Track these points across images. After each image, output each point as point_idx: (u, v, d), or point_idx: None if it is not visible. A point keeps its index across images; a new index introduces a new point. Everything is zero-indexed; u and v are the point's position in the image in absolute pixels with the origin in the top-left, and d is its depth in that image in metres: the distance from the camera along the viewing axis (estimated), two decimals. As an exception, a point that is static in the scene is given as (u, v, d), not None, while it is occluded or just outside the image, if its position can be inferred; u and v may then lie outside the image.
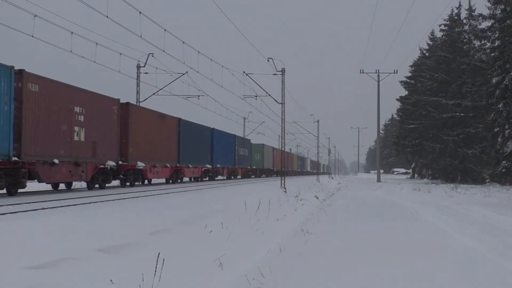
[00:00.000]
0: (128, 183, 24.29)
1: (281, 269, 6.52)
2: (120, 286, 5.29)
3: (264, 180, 47.13)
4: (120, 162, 22.58)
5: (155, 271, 5.43)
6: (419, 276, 6.01)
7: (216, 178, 40.53)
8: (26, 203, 13.10)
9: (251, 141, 54.65)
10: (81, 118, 19.24)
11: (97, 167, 20.80)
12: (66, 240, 7.08)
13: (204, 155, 36.09)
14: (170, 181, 30.15)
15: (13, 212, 10.95)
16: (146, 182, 28.67)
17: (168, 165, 28.57)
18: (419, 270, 6.31)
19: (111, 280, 5.33)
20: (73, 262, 5.96)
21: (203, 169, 35.80)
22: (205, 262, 6.88)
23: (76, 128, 18.96)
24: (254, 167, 54.50)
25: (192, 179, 36.07)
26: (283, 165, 31.34)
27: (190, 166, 32.57)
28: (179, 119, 30.54)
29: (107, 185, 22.69)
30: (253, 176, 55.87)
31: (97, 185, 21.45)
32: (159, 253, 5.77)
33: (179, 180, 31.81)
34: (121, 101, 22.67)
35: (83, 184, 22.89)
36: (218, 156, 39.11)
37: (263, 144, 58.99)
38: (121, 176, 23.16)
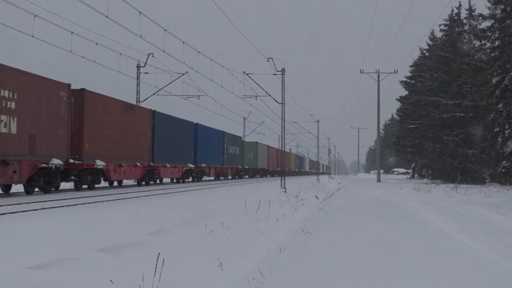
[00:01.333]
0: (85, 186, 20.75)
1: (281, 269, 6.51)
2: (120, 286, 5.29)
3: (260, 180, 45.44)
4: (72, 161, 19.07)
5: (155, 271, 5.42)
6: (419, 276, 6.01)
7: (202, 179, 37.20)
8: (26, 203, 13.10)
9: (244, 139, 52.65)
10: (12, 104, 15.59)
11: (36, 167, 17.04)
12: (66, 240, 7.08)
13: (186, 153, 32.31)
14: (143, 182, 26.68)
15: (13, 212, 10.96)
16: (115, 184, 25.49)
17: (138, 164, 24.81)
18: (419, 270, 6.31)
19: (111, 280, 5.32)
20: (73, 262, 5.95)
21: (184, 169, 32.02)
22: (205, 262, 6.87)
23: (3, 117, 15.22)
24: (246, 167, 50.93)
25: (174, 180, 33.01)
26: (283, 165, 31.30)
27: (168, 165, 28.93)
28: (153, 111, 27.18)
29: (61, 188, 19.89)
30: (246, 177, 52.85)
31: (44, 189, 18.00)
32: (159, 253, 5.76)
33: (152, 182, 28.60)
34: (75, 88, 19.53)
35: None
36: (203, 154, 35.33)
37: (256, 142, 56.16)
38: (73, 177, 19.53)
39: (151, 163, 26.69)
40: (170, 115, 29.98)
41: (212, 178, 40.24)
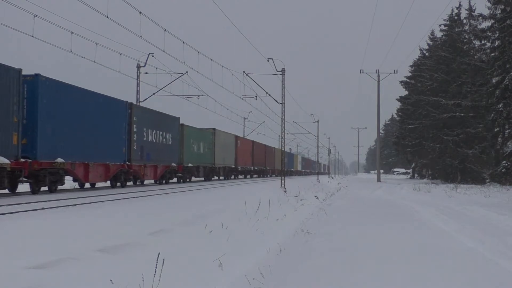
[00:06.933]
0: None
1: (281, 269, 6.51)
2: (120, 286, 5.29)
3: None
4: None
5: (155, 271, 5.42)
6: (418, 277, 6.00)
7: (59, 187, 18.99)
8: (26, 203, 13.10)
9: (192, 124, 34.51)
10: None
11: None
12: (66, 240, 7.08)
13: None
14: None
15: (13, 212, 10.95)
16: None
17: None
18: (419, 271, 6.30)
19: (111, 280, 5.32)
20: (73, 262, 5.96)
21: None
22: (205, 262, 6.87)
23: None
24: (189, 165, 32.51)
25: None
26: (283, 164, 31.27)
27: None
28: None
29: None
30: (204, 179, 36.73)
31: None
32: (159, 253, 5.76)
33: None
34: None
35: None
36: (62, 138, 18.17)
37: (213, 129, 39.21)
38: None
39: None
40: None
41: (106, 183, 23.07)
